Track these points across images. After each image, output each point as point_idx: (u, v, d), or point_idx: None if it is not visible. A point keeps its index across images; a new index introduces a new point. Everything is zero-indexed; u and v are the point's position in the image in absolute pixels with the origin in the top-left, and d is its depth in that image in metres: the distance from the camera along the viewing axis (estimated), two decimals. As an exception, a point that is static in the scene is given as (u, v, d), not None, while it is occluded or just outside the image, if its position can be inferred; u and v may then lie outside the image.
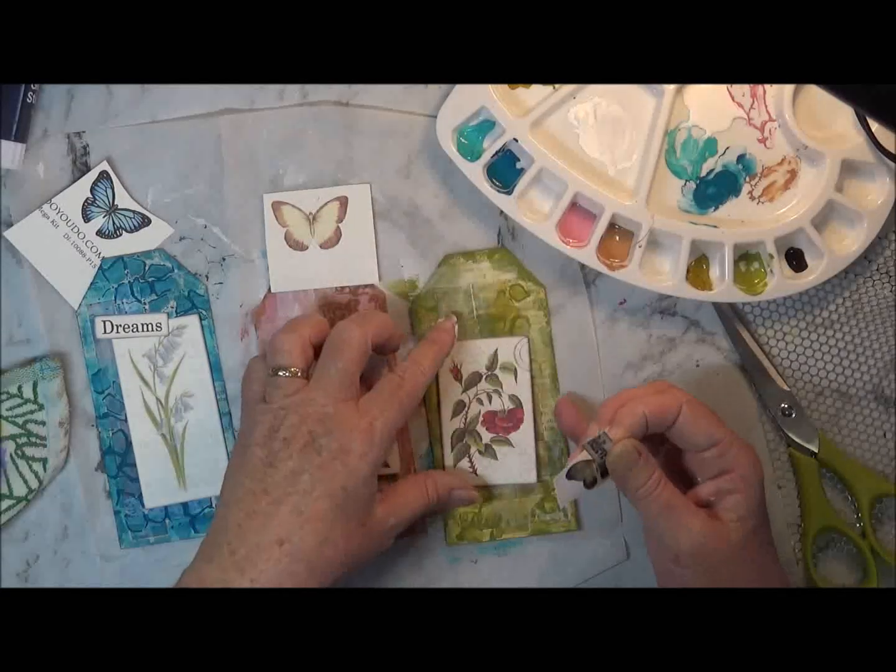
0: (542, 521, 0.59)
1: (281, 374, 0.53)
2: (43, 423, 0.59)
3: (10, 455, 0.59)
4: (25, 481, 0.59)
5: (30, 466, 0.59)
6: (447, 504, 0.58)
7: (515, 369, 0.58)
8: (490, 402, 0.59)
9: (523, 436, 0.59)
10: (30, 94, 0.57)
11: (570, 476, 0.51)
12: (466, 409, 0.59)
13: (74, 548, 0.60)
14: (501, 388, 0.59)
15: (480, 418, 0.59)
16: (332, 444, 0.51)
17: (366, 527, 0.52)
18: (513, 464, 0.59)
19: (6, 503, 0.59)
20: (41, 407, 0.59)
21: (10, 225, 0.59)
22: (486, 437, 0.59)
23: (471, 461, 0.59)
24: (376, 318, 0.55)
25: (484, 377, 0.59)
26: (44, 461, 0.59)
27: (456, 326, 0.58)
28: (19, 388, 0.59)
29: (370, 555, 0.54)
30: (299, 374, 0.53)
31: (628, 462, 0.50)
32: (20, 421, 0.59)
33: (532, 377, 0.59)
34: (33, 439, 0.59)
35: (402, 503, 0.55)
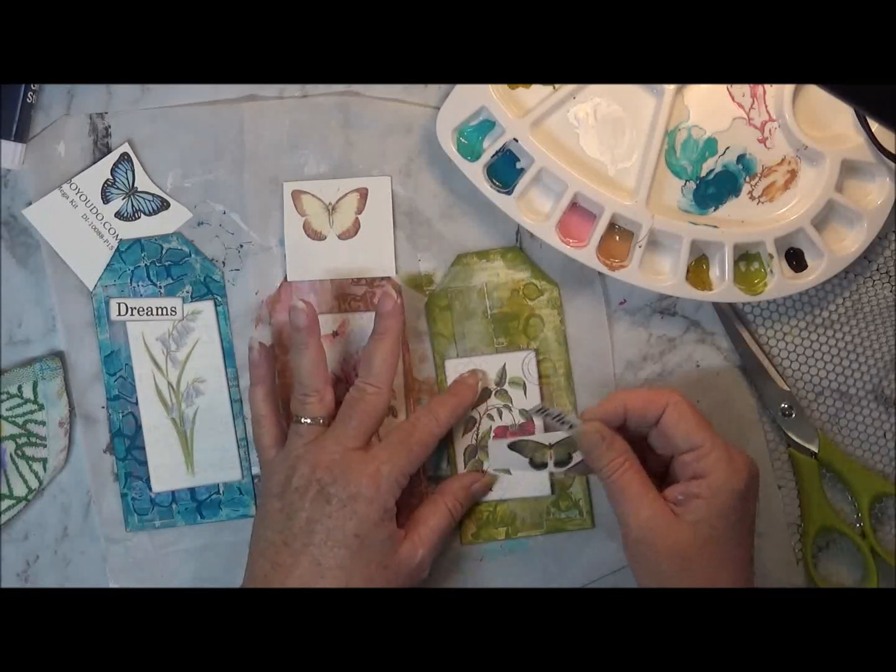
0: (557, 518, 0.59)
1: (303, 421, 0.54)
2: (43, 423, 0.59)
3: (10, 455, 0.59)
4: (25, 481, 0.59)
5: (30, 466, 0.59)
6: (471, 503, 0.58)
7: (524, 383, 0.58)
8: (501, 417, 0.59)
9: None
10: (30, 94, 0.57)
11: (513, 448, 0.53)
12: (477, 425, 0.59)
13: (74, 548, 0.60)
14: (511, 402, 0.58)
15: (492, 434, 0.59)
16: (340, 492, 0.52)
17: (389, 569, 0.53)
18: (527, 478, 0.58)
19: (6, 503, 0.59)
20: (41, 407, 0.59)
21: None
22: None
23: None
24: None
25: (494, 393, 0.59)
26: (44, 461, 0.59)
27: (480, 382, 0.57)
28: (19, 388, 0.59)
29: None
30: (321, 421, 0.54)
31: (590, 442, 0.51)
32: (20, 421, 0.59)
33: (541, 390, 0.58)
34: (33, 439, 0.59)
35: (427, 532, 0.55)
